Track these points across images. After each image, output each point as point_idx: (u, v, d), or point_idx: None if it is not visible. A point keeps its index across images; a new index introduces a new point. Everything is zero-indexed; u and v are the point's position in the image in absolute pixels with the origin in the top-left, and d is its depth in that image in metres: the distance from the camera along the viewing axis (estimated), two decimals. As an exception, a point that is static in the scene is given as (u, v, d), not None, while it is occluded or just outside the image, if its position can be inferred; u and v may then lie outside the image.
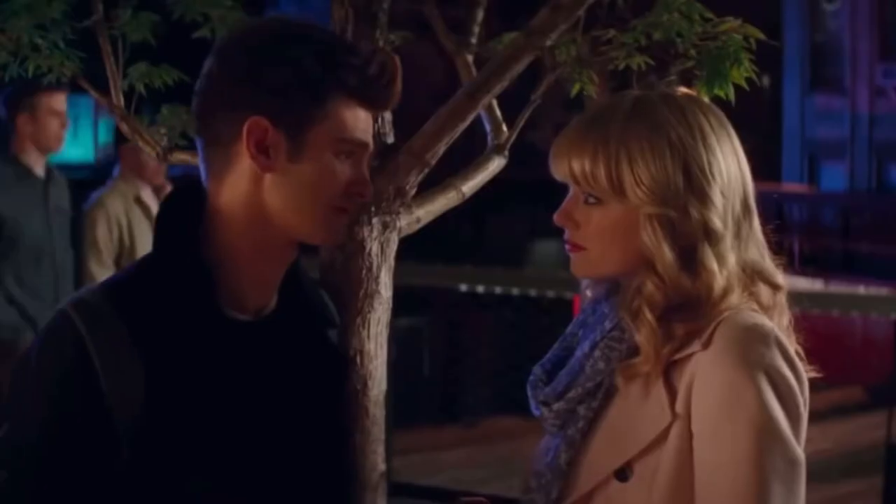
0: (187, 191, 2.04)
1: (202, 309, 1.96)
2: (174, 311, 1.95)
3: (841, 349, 12.24)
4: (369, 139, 2.03)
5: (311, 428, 2.07)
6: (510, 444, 7.50)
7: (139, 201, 6.51)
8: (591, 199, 2.04)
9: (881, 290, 13.29)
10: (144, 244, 6.33)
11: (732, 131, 2.08)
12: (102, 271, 6.25)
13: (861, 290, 13.11)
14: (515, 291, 7.91)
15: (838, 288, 15.70)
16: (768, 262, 2.08)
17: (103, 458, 1.89)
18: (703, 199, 2.00)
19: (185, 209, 2.02)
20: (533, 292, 7.74)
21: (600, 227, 2.03)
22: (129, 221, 6.43)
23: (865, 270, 19.88)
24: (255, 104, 1.94)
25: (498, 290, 7.91)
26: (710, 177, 2.01)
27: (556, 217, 2.07)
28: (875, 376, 10.85)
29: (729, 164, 2.04)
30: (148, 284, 1.97)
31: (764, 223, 2.11)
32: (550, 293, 7.60)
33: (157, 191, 6.56)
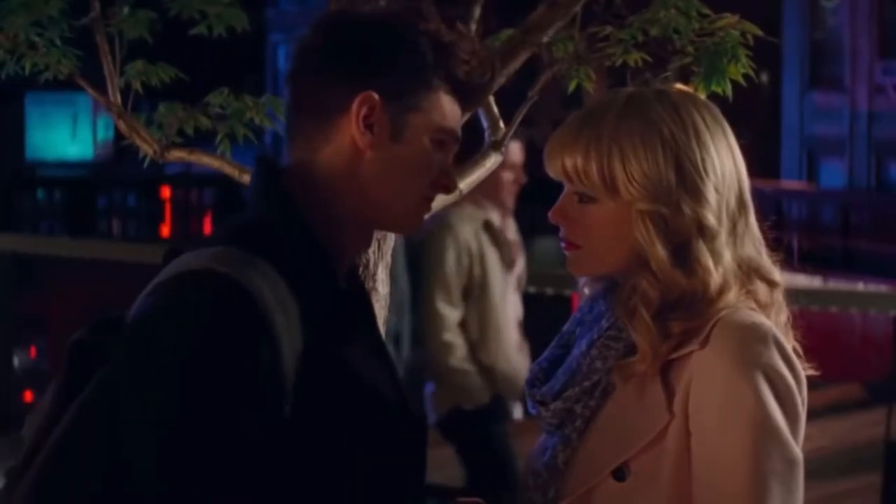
0: (270, 161, 2.03)
1: (329, 274, 1.94)
2: (308, 273, 1.90)
3: (840, 346, 12.24)
4: (460, 133, 2.04)
5: (403, 396, 2.04)
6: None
7: (488, 226, 5.50)
8: (585, 197, 2.03)
9: (880, 287, 13.29)
10: (496, 276, 5.47)
11: (728, 127, 2.07)
12: (451, 310, 5.39)
13: (860, 287, 13.12)
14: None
15: (837, 285, 15.71)
16: (765, 259, 2.07)
17: (278, 418, 1.82)
18: (696, 195, 1.99)
19: (280, 177, 1.98)
20: (531, 289, 7.73)
21: (594, 224, 2.03)
22: (480, 249, 5.44)
23: (865, 267, 19.90)
24: (369, 79, 1.93)
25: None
26: (703, 173, 2.00)
27: (550, 215, 2.07)
28: (874, 373, 10.85)
29: (723, 160, 2.03)
30: (276, 247, 1.89)
31: (762, 220, 2.10)
32: (549, 290, 7.60)
33: (504, 214, 5.67)
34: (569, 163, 2.02)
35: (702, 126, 2.03)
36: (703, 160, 2.00)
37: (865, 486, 7.55)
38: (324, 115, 1.95)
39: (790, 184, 26.45)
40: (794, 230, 22.23)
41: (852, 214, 22.45)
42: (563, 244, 2.08)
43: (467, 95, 2.01)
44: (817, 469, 8.65)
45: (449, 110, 1.98)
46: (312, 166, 1.96)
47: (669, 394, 1.97)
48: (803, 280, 17.57)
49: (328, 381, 1.88)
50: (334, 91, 1.94)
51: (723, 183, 2.02)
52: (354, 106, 1.92)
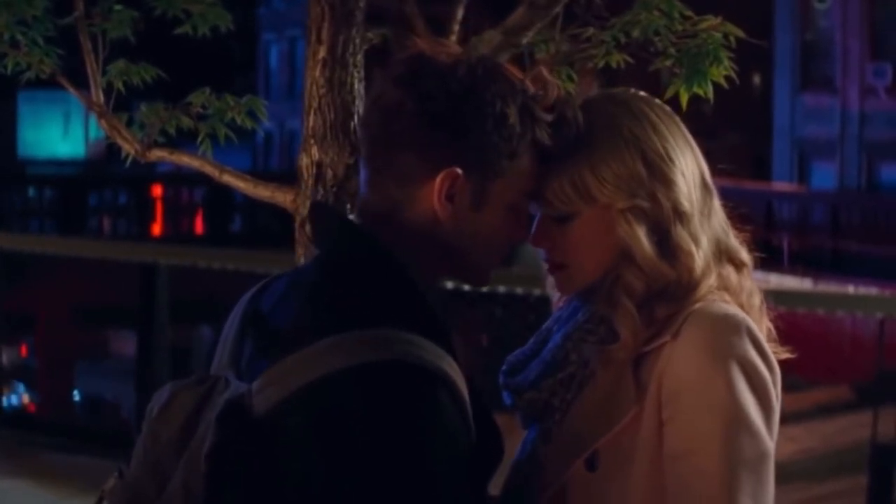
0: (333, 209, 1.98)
1: (448, 332, 1.91)
2: (447, 338, 1.88)
3: (828, 348, 12.27)
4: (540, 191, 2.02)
5: None
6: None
7: None
8: (563, 217, 2.03)
9: (868, 290, 13.30)
10: None
11: (678, 119, 2.10)
12: None
13: (847, 289, 13.12)
14: (502, 289, 7.91)
15: (824, 287, 15.72)
16: (732, 240, 2.09)
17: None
18: (668, 182, 2.02)
19: (368, 233, 1.93)
20: (520, 290, 7.74)
21: (578, 240, 2.03)
22: None
23: (854, 269, 19.92)
24: (454, 155, 1.89)
25: (484, 287, 7.90)
26: (668, 161, 2.03)
27: (532, 241, 2.06)
28: (861, 375, 10.87)
29: (682, 148, 2.06)
30: (414, 317, 1.86)
31: (726, 205, 2.11)
32: (537, 291, 7.59)
33: None
34: (543, 188, 2.02)
35: (655, 119, 2.05)
36: (665, 149, 2.03)
37: (852, 487, 7.58)
38: (403, 182, 1.92)
39: (781, 185, 26.48)
40: (784, 231, 22.25)
41: (842, 215, 22.47)
42: (547, 266, 2.07)
43: (551, 154, 1.97)
44: (805, 469, 8.68)
45: (532, 174, 1.96)
46: (391, 226, 1.92)
47: (639, 385, 1.98)
48: (792, 282, 17.58)
49: (485, 436, 1.89)
50: (416, 162, 1.90)
51: (687, 168, 2.04)
52: (437, 181, 1.89)
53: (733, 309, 2.00)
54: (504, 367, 2.14)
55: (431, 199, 1.90)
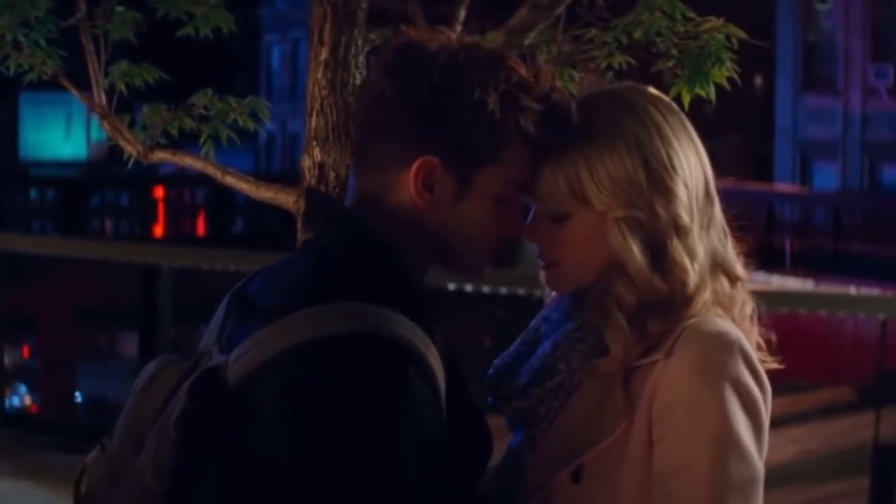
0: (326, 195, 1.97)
1: (437, 313, 1.91)
2: (433, 319, 1.87)
3: (830, 349, 12.28)
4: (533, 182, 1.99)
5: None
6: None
7: None
8: (558, 215, 1.99)
9: (872, 290, 13.30)
10: None
11: (685, 118, 2.03)
12: None
13: (852, 290, 13.13)
14: (504, 290, 7.91)
15: (827, 288, 15.72)
16: (730, 252, 2.03)
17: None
18: (668, 194, 1.95)
19: (357, 215, 1.93)
20: (521, 291, 7.73)
21: (571, 241, 1.99)
22: None
23: (856, 270, 19.91)
24: (431, 145, 1.88)
25: (486, 288, 7.91)
26: (671, 170, 1.96)
27: (524, 236, 2.03)
28: (864, 376, 10.88)
29: (687, 154, 1.99)
30: (402, 296, 1.85)
31: (727, 210, 2.06)
32: (539, 292, 7.61)
33: None
34: (538, 184, 1.99)
35: (661, 121, 1.98)
36: (668, 157, 1.96)
37: (854, 489, 7.57)
38: (382, 172, 1.91)
39: (783, 186, 26.46)
40: (786, 232, 22.24)
41: (844, 217, 22.45)
42: (540, 262, 2.04)
43: (541, 145, 1.93)
44: (807, 471, 8.68)
45: (521, 165, 1.93)
46: (377, 216, 1.92)
47: (630, 401, 1.94)
48: (794, 283, 17.56)
49: (463, 421, 1.88)
50: (394, 152, 1.90)
51: (690, 177, 1.98)
52: (413, 169, 1.88)
53: (727, 326, 1.96)
54: (491, 371, 2.10)
55: (409, 186, 1.89)
